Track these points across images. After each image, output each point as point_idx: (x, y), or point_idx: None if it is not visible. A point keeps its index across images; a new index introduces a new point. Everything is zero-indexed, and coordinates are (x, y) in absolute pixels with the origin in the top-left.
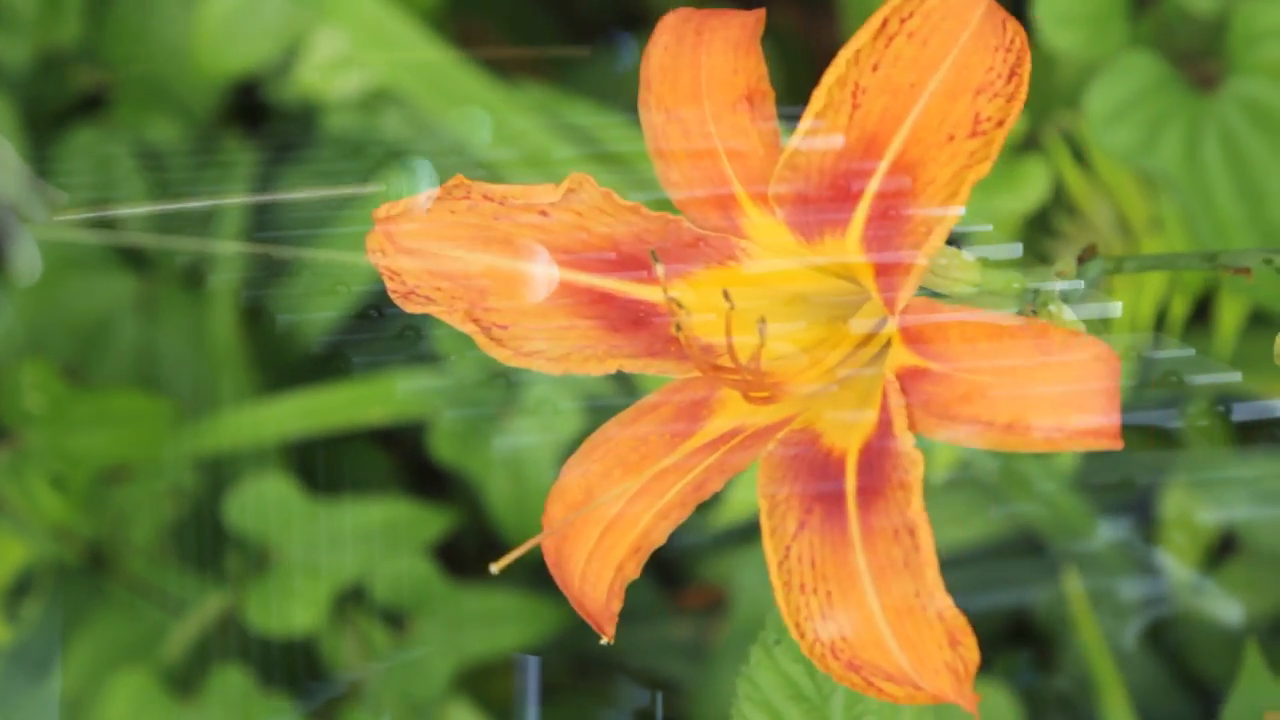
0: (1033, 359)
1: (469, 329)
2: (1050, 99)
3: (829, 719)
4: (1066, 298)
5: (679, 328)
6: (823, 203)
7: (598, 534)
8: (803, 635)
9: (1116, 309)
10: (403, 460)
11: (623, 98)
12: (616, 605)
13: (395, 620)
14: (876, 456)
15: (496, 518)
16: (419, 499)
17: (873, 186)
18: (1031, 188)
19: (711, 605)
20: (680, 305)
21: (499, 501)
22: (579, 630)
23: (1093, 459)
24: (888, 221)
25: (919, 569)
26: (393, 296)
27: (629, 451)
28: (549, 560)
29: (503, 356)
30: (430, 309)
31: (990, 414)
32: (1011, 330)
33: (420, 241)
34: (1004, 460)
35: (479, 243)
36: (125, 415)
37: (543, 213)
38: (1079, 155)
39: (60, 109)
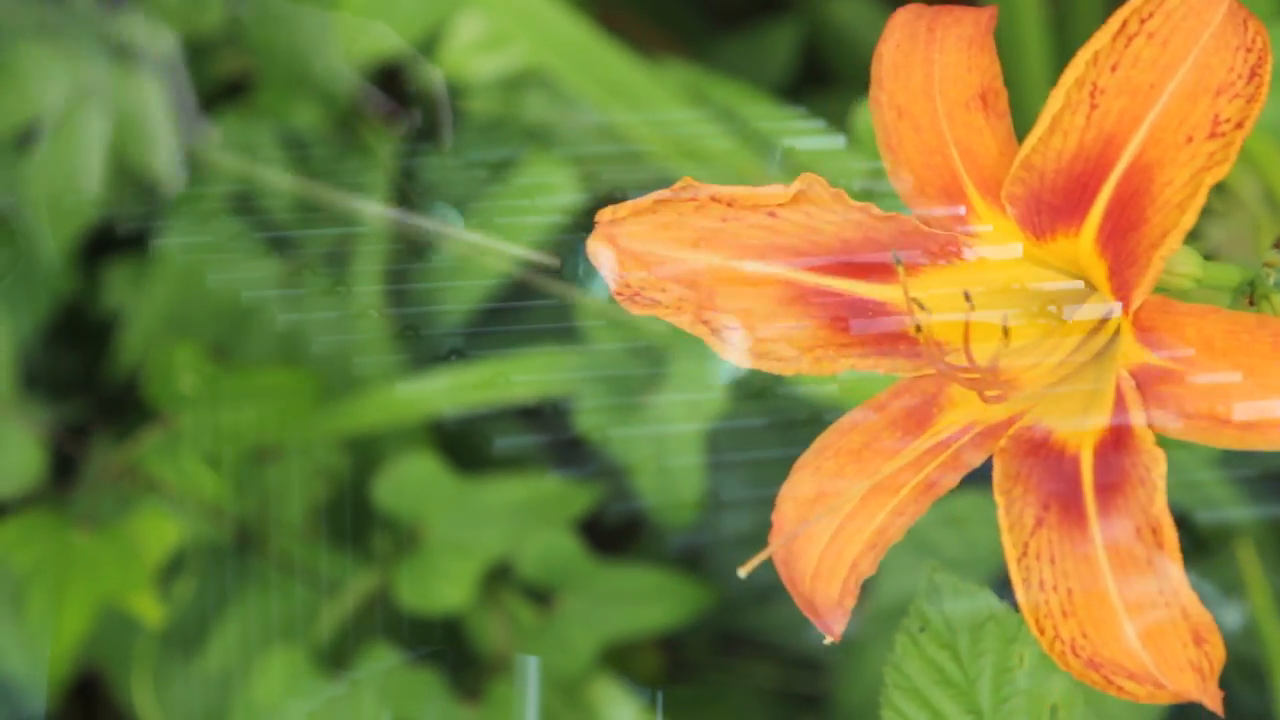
0: (1271, 356)
1: (699, 331)
2: None
3: (977, 703)
4: None
5: (919, 328)
6: (1057, 202)
7: (831, 531)
8: (1042, 632)
9: None
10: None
11: (767, 76)
12: (850, 602)
13: (541, 597)
14: (1114, 454)
15: (642, 494)
16: (564, 475)
17: (1109, 187)
18: None
19: None
20: (921, 306)
21: (644, 478)
22: (722, 608)
23: None
24: (1123, 222)
25: (1163, 566)
26: (618, 299)
27: (861, 449)
28: (777, 558)
29: (733, 358)
30: (657, 311)
31: (1228, 412)
32: (1247, 326)
33: (645, 244)
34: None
35: (706, 244)
36: (272, 390)
37: (771, 214)
38: None
39: (204, 95)
